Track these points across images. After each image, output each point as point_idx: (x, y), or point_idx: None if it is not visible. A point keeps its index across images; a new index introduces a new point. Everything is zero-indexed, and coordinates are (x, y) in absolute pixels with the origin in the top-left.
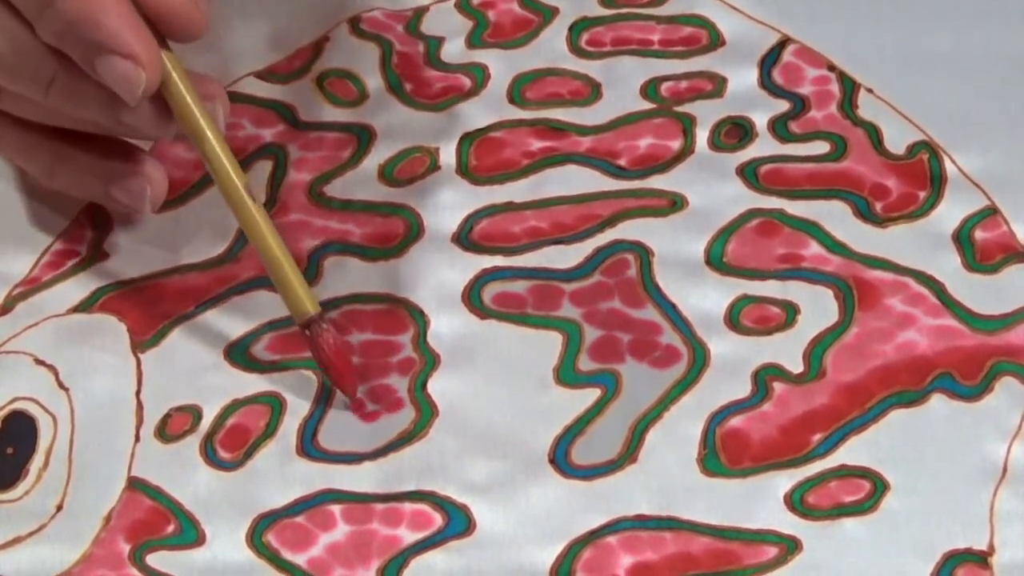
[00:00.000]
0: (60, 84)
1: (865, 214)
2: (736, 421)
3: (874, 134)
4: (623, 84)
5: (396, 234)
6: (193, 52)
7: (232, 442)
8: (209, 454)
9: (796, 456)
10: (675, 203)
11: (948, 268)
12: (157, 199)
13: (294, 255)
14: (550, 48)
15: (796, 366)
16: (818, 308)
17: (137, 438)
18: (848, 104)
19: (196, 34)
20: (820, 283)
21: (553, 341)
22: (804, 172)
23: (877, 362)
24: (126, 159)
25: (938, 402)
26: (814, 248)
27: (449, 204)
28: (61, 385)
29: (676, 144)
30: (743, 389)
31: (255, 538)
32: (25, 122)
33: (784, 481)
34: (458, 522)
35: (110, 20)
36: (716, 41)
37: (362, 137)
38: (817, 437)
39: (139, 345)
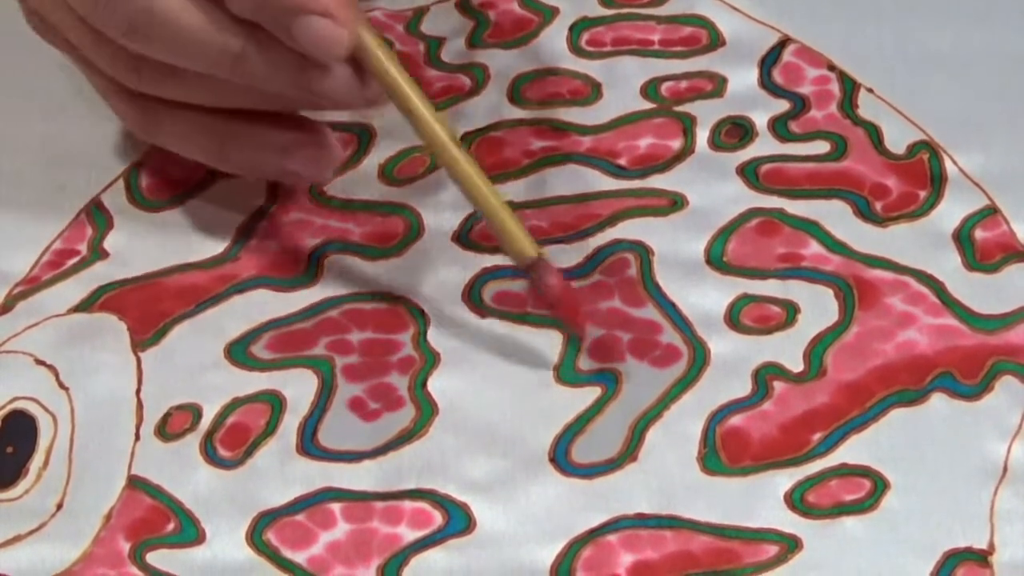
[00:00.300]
0: (249, 56)
1: (865, 213)
2: (736, 420)
3: (874, 134)
4: (623, 84)
5: (396, 233)
6: None
7: (232, 440)
8: (209, 452)
9: (796, 455)
10: (675, 203)
11: (948, 267)
12: (334, 166)
13: (293, 254)
14: (550, 48)
15: (796, 365)
16: (818, 307)
17: (137, 437)
18: (848, 104)
19: None
20: (820, 282)
21: (553, 340)
22: (804, 172)
23: (877, 361)
24: (299, 129)
25: (938, 401)
26: (814, 247)
27: (449, 203)
28: (61, 385)
29: (676, 144)
30: (743, 388)
31: (255, 536)
32: (191, 107)
33: (784, 480)
34: (458, 520)
35: None
36: (716, 41)
37: (362, 136)
38: (817, 436)
39: (139, 344)
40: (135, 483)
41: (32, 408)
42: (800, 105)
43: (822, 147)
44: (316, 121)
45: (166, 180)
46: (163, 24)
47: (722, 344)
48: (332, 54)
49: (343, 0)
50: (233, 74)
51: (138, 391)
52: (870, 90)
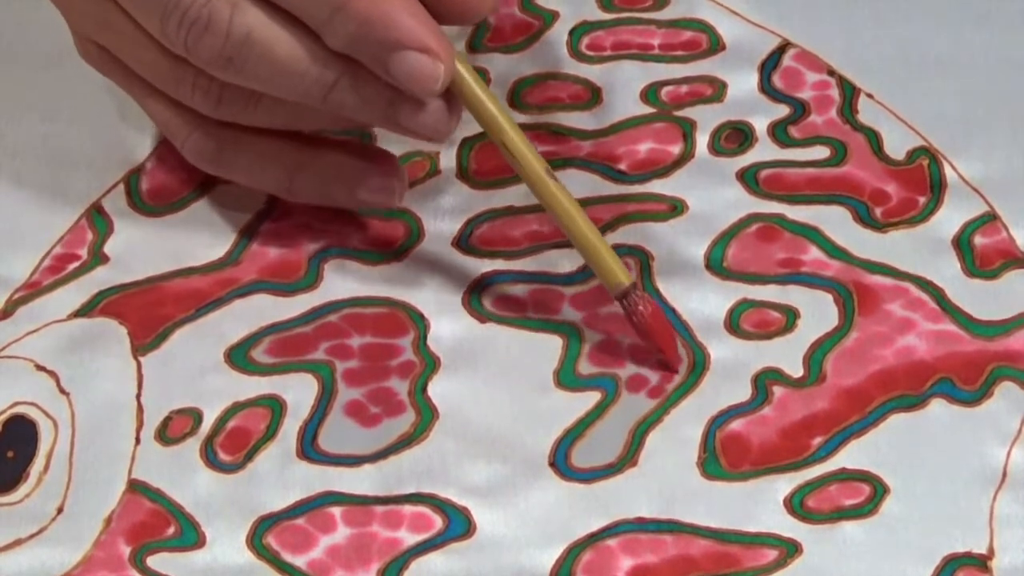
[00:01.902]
0: (341, 88)
1: (865, 219)
2: (736, 425)
3: (874, 139)
4: (623, 88)
5: (396, 238)
6: None
7: (232, 444)
8: (209, 456)
9: (796, 460)
10: (675, 207)
11: (948, 273)
12: (403, 192)
13: (294, 258)
14: (551, 52)
15: (796, 370)
16: (818, 313)
17: (137, 441)
18: (848, 109)
19: (484, 12)
20: (820, 288)
21: (553, 345)
22: (804, 177)
23: (877, 367)
24: (366, 158)
25: (938, 407)
26: (814, 253)
27: (449, 208)
28: (62, 390)
29: (676, 148)
30: (743, 393)
31: (255, 540)
32: (263, 137)
33: (784, 484)
34: (458, 524)
35: (404, 16)
36: (716, 45)
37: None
38: (817, 441)
39: (140, 348)
40: (135, 487)
41: (33, 413)
42: (800, 110)
43: (822, 152)
44: (384, 149)
45: (167, 184)
46: (260, 56)
47: (722, 349)
48: (428, 90)
49: (440, 35)
50: (324, 104)
51: (138, 395)
52: (870, 95)
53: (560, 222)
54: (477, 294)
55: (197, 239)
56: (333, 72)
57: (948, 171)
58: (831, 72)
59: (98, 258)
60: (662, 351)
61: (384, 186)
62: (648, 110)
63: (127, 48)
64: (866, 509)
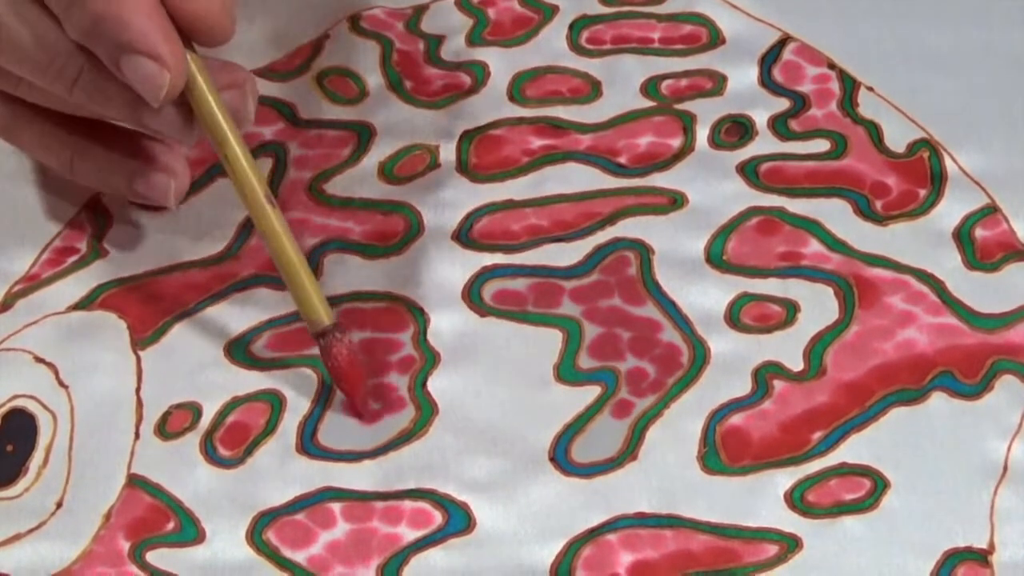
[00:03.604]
0: (85, 82)
1: (865, 212)
2: (736, 419)
3: (874, 132)
4: (623, 82)
5: (396, 232)
6: None
7: (232, 439)
8: (209, 451)
9: (796, 454)
10: (675, 201)
11: (948, 266)
12: (180, 193)
13: None
14: (550, 46)
15: (796, 364)
16: (818, 306)
17: (137, 435)
18: (848, 102)
19: (222, 39)
20: (820, 281)
21: (553, 339)
22: (804, 170)
23: (877, 360)
24: (148, 153)
25: (938, 400)
26: (814, 246)
27: (449, 202)
28: (61, 383)
29: (676, 142)
30: (743, 387)
31: (255, 536)
32: (45, 113)
33: (784, 479)
34: (458, 520)
35: (137, 19)
36: (716, 39)
37: (362, 135)
38: (817, 435)
39: (139, 342)
40: (135, 482)
41: (32, 406)
42: (800, 103)
43: (822, 145)
44: (165, 145)
45: None
46: (9, 39)
47: (722, 343)
48: (154, 96)
49: (175, 45)
50: (72, 97)
51: (138, 389)
52: (870, 88)
53: (271, 250)
54: (477, 288)
55: (196, 233)
56: (75, 66)
57: (949, 163)
58: (831, 65)
59: (97, 252)
60: (349, 397)
61: (160, 184)
62: (648, 103)
63: None
64: (866, 503)
